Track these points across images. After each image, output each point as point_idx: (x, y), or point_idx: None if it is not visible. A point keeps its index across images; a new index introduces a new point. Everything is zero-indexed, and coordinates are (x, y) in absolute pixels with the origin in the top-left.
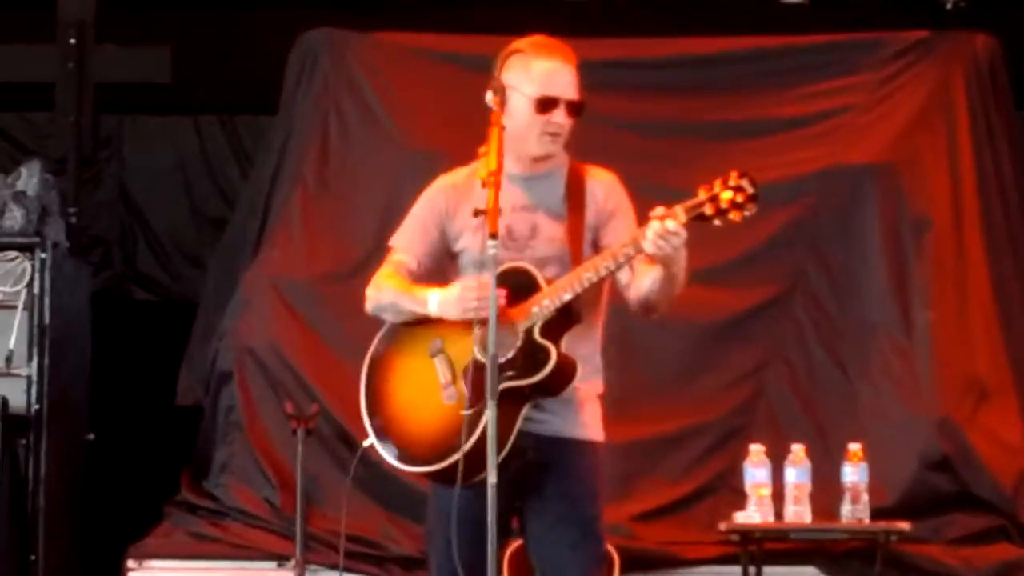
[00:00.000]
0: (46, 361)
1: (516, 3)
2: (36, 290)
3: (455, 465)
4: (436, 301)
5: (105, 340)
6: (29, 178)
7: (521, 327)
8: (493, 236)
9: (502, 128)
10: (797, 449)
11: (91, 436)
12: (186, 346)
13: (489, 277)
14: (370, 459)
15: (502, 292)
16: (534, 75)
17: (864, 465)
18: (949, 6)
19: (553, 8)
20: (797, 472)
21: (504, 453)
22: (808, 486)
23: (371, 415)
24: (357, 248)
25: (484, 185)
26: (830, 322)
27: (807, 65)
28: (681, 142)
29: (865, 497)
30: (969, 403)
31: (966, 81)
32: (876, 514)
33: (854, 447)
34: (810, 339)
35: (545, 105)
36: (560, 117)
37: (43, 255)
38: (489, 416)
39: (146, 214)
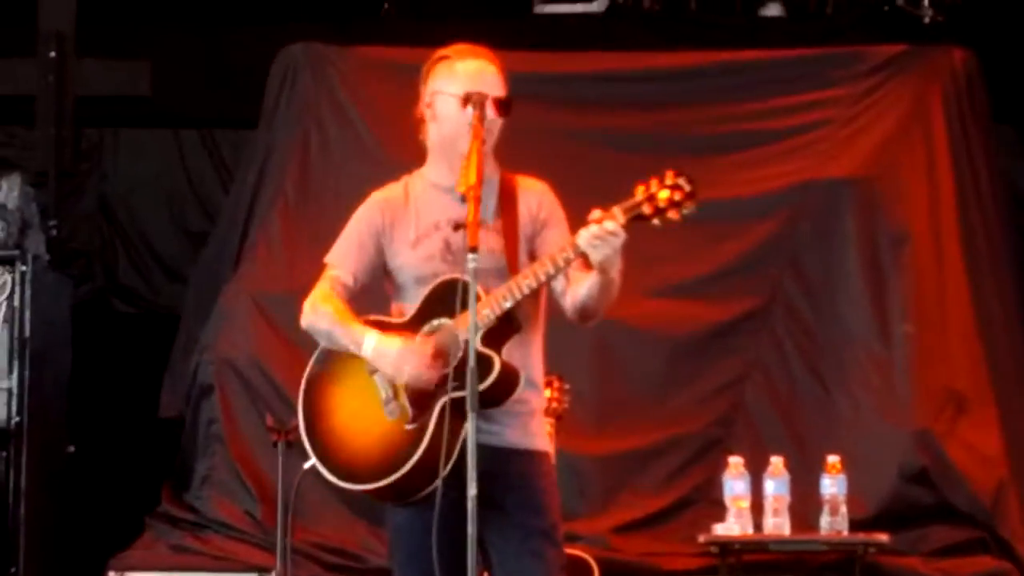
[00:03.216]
0: (27, 374)
1: (493, 16)
2: (17, 303)
3: (401, 480)
4: (372, 347)
5: (86, 352)
6: (9, 191)
7: (462, 337)
8: (473, 250)
9: (482, 142)
10: (776, 461)
11: (71, 448)
12: (168, 359)
13: (428, 346)
14: None
15: (437, 362)
16: (459, 76)
17: (843, 477)
18: (927, 20)
19: (530, 22)
20: (776, 484)
21: (451, 465)
22: (787, 498)
23: (311, 436)
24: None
25: (464, 199)
26: (809, 335)
27: (785, 78)
28: (658, 156)
29: (844, 509)
30: (947, 415)
31: (944, 95)
32: (855, 526)
33: (833, 459)
34: (789, 352)
35: (473, 101)
36: (489, 113)
37: (24, 268)
38: (470, 428)
39: (127, 227)
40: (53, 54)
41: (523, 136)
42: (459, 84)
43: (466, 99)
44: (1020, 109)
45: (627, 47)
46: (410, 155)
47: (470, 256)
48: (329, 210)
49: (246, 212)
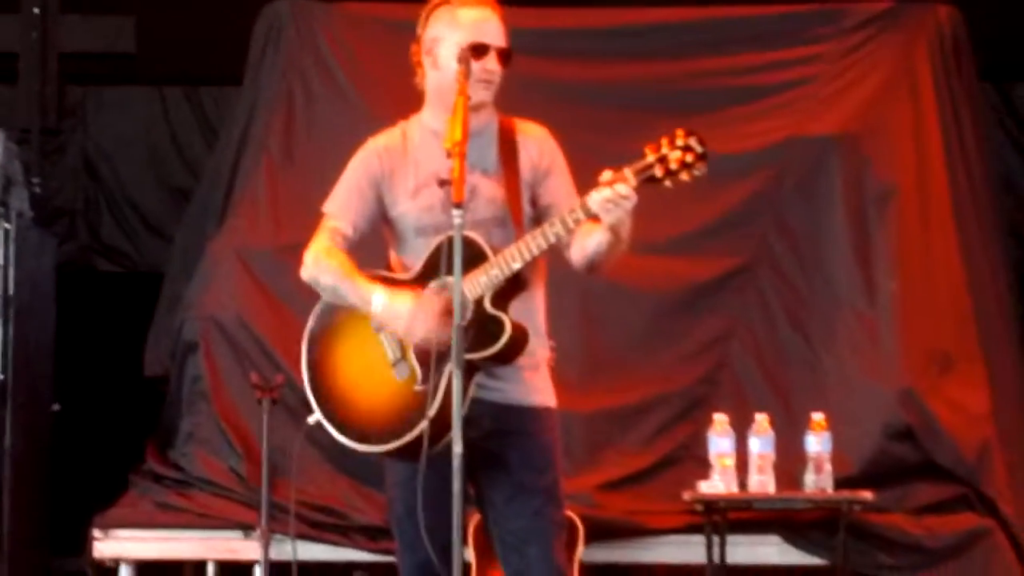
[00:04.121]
0: (11, 332)
1: None
2: (0, 260)
3: (412, 442)
4: (381, 304)
5: (70, 311)
6: None
7: (471, 298)
8: (458, 206)
9: (467, 97)
10: (761, 419)
11: (56, 407)
12: (152, 317)
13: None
14: None
15: (448, 321)
16: (462, 24)
17: (827, 435)
18: None
19: None
20: (761, 442)
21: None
22: (772, 456)
23: (316, 393)
24: (321, 218)
25: (449, 155)
26: (794, 293)
27: (770, 34)
28: (642, 112)
29: (828, 467)
30: (933, 373)
31: (930, 51)
32: (839, 484)
33: (817, 417)
34: (774, 309)
35: (477, 52)
36: (492, 63)
37: (7, 225)
38: (455, 386)
39: (111, 185)
40: (37, 10)
41: (502, 89)
42: (461, 32)
43: (472, 52)
44: (1002, 67)
45: (608, 3)
46: (394, 112)
47: (455, 212)
48: (314, 167)
49: (230, 169)
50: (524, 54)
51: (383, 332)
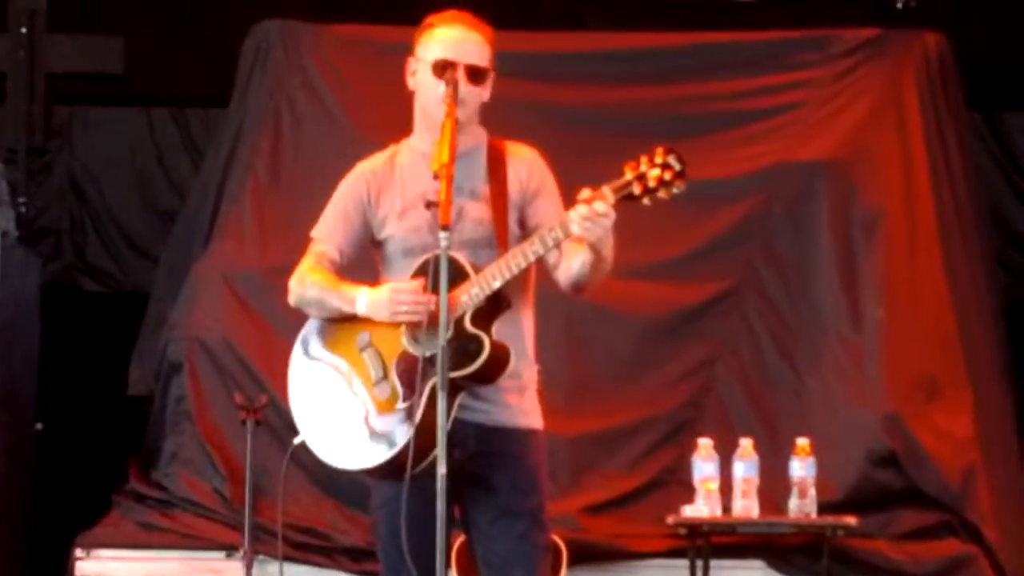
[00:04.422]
0: None
1: None
2: None
3: (393, 460)
4: (365, 302)
5: (54, 331)
6: None
7: (451, 317)
8: (445, 228)
9: (455, 120)
10: (745, 443)
11: (39, 426)
12: (136, 337)
13: (417, 282)
14: None
15: (432, 298)
16: (436, 43)
17: (812, 460)
18: (899, 5)
19: (503, 2)
20: (745, 466)
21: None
22: (756, 480)
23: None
24: (308, 240)
25: (436, 177)
26: (780, 318)
27: (758, 60)
28: (630, 137)
29: (812, 492)
30: (919, 399)
31: (917, 79)
32: (823, 509)
33: (802, 442)
34: (760, 335)
35: (442, 68)
36: (459, 82)
37: None
38: (440, 407)
39: (96, 205)
40: (24, 30)
41: (491, 112)
42: (435, 51)
43: (435, 68)
44: (991, 96)
45: (598, 28)
46: (382, 134)
47: (442, 235)
48: (300, 189)
49: (216, 190)
50: (513, 77)
51: (367, 351)
